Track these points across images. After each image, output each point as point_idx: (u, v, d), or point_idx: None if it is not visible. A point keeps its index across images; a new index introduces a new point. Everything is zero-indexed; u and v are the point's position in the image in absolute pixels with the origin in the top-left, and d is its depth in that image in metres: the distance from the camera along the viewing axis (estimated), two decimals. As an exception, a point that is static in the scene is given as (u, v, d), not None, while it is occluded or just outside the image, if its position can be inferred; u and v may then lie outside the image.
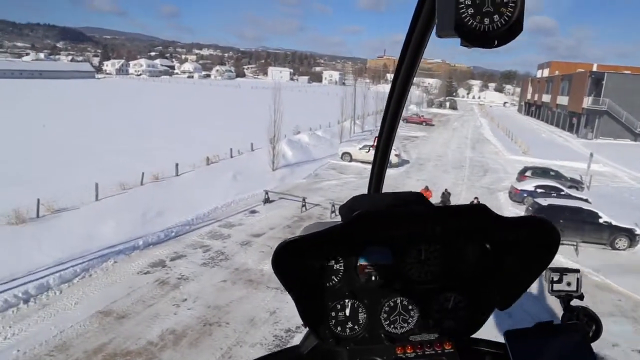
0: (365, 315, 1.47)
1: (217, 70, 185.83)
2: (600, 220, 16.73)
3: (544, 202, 17.83)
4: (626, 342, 10.37)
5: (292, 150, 28.10)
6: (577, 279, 1.40)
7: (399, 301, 1.49)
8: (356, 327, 1.46)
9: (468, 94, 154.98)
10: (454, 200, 19.52)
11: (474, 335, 1.55)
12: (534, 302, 9.72)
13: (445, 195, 19.25)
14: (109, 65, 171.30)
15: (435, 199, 18.91)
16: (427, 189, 19.44)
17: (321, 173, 25.89)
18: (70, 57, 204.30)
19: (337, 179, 24.54)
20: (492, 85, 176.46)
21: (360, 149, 28.65)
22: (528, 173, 24.73)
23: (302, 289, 1.30)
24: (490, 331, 1.60)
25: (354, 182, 23.49)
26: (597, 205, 18.72)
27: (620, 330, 10.97)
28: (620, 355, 9.89)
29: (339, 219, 1.41)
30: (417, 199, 1.48)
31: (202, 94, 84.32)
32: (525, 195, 21.52)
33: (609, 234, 16.61)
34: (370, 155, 27.23)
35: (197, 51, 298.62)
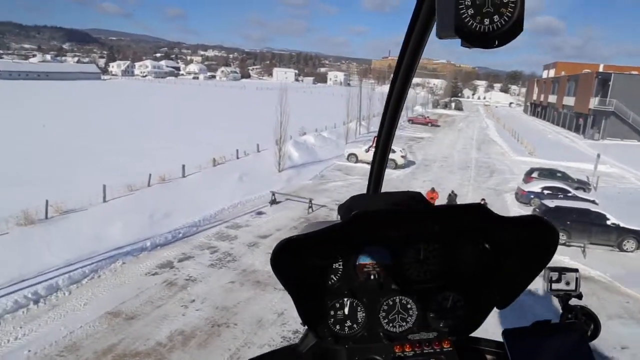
0: (364, 314, 1.47)
1: (222, 71, 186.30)
2: (608, 222, 16.65)
3: (551, 203, 17.78)
4: (635, 345, 10.34)
5: (298, 152, 28.13)
6: (576, 278, 1.40)
7: (397, 300, 1.49)
8: (355, 325, 1.47)
9: (473, 94, 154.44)
10: (461, 202, 19.47)
11: (472, 334, 1.56)
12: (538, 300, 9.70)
13: (452, 196, 19.23)
14: (115, 67, 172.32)
15: (441, 200, 18.90)
16: (433, 190, 19.43)
17: (327, 174, 25.90)
18: (76, 59, 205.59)
19: (343, 180, 24.55)
20: (497, 85, 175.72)
21: (367, 150, 28.62)
22: (535, 174, 24.62)
23: (301, 288, 1.30)
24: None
25: (360, 183, 23.47)
26: (605, 206, 18.64)
27: (629, 333, 10.94)
28: (630, 358, 9.86)
29: None
30: (415, 199, 1.50)
31: (208, 95, 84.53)
32: (532, 196, 21.45)
33: (617, 236, 16.53)
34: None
35: (202, 52, 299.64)
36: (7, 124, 33.98)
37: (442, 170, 29.67)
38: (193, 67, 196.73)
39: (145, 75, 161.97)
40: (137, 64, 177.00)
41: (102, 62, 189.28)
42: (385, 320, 1.49)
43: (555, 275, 1.39)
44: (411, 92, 79.38)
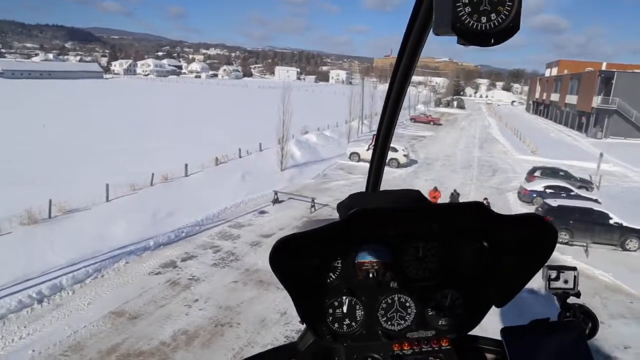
0: (362, 312, 1.47)
1: (225, 70, 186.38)
2: (611, 222, 16.64)
3: (553, 202, 17.76)
4: (639, 344, 10.34)
5: (300, 151, 28.15)
6: (574, 276, 1.39)
7: (396, 298, 1.49)
8: (353, 324, 1.46)
9: (475, 92, 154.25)
10: (463, 201, 19.45)
11: (471, 332, 1.55)
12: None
13: (454, 195, 19.22)
14: (117, 66, 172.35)
15: (444, 199, 18.89)
16: (435, 189, 19.42)
17: (329, 173, 25.92)
18: (78, 58, 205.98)
19: (346, 179, 24.55)
20: (499, 84, 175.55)
21: (368, 149, 28.57)
22: (537, 173, 24.61)
23: (299, 286, 1.30)
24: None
25: (363, 182, 23.05)
26: (607, 205, 18.62)
27: (632, 333, 10.95)
28: (633, 358, 9.85)
29: None
30: (414, 197, 1.49)
31: (210, 94, 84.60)
32: (534, 195, 21.45)
33: (620, 235, 16.51)
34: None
35: (204, 51, 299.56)
36: (10, 123, 34.12)
37: (444, 169, 29.66)
38: (195, 66, 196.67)
39: (148, 74, 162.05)
40: (139, 63, 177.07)
41: (104, 60, 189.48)
42: (384, 319, 1.48)
43: (553, 274, 1.38)
44: (413, 91, 79.14)
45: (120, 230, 14.42)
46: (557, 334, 1.29)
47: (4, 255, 11.79)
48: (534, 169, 25.42)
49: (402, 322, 1.50)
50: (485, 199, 18.77)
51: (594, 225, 16.63)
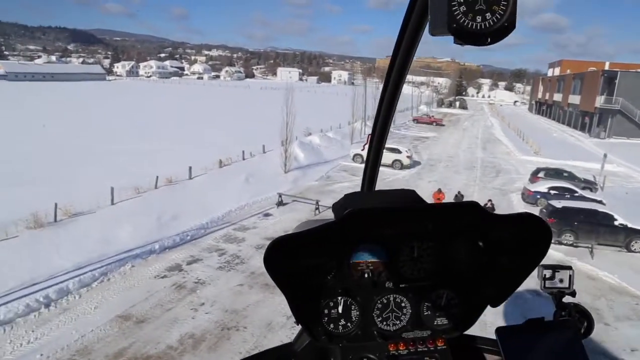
0: (358, 313, 1.46)
1: (227, 71, 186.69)
2: (616, 223, 16.60)
3: (558, 204, 17.74)
4: (645, 347, 10.31)
5: (303, 152, 28.16)
6: (570, 275, 1.39)
7: (391, 298, 1.49)
8: (349, 324, 1.46)
9: (478, 93, 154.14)
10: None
11: (466, 332, 1.55)
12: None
13: (458, 197, 19.22)
14: (120, 67, 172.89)
15: (448, 200, 18.87)
16: (439, 191, 19.43)
17: (333, 175, 25.93)
18: (81, 60, 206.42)
19: (349, 181, 24.54)
20: (502, 84, 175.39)
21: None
22: (541, 174, 24.56)
23: (294, 287, 1.29)
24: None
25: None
26: (612, 206, 18.59)
27: (638, 335, 10.92)
28: (640, 361, 9.84)
29: None
30: (410, 197, 1.49)
31: (212, 95, 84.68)
32: (538, 196, 21.42)
33: (625, 236, 16.48)
34: (382, 158, 27.18)
35: (206, 52, 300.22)
36: (14, 124, 34.24)
37: (447, 170, 29.64)
38: (197, 67, 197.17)
39: (150, 76, 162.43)
40: (141, 65, 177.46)
41: (106, 62, 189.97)
42: (379, 319, 1.49)
43: (548, 273, 1.38)
44: (416, 91, 78.94)
45: (126, 233, 14.47)
46: (552, 333, 1.29)
47: (12, 259, 11.85)
48: (538, 170, 25.36)
49: (398, 322, 1.50)
50: (490, 200, 18.77)
51: (598, 226, 16.61)
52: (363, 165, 1.83)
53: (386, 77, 1.54)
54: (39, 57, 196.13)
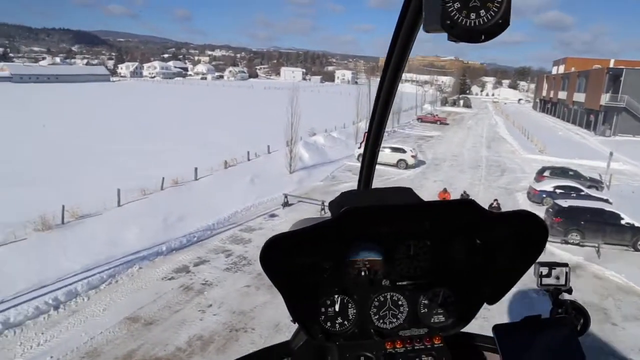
0: (354, 311, 1.46)
1: (230, 71, 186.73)
2: (622, 222, 16.55)
3: (564, 203, 17.68)
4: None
5: (308, 152, 28.19)
6: (566, 272, 1.38)
7: (388, 296, 1.49)
8: (346, 322, 1.46)
9: (482, 91, 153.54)
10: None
11: (463, 330, 1.56)
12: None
13: (464, 197, 19.17)
14: (124, 68, 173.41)
15: (453, 201, 18.83)
16: (445, 190, 19.43)
17: (338, 175, 25.93)
18: (85, 61, 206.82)
19: (355, 180, 24.14)
20: (506, 82, 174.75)
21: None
22: (546, 173, 24.49)
23: (291, 285, 1.29)
24: None
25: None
26: (618, 205, 18.53)
27: (646, 335, 10.89)
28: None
29: None
30: (406, 195, 1.50)
31: (216, 95, 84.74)
32: (544, 196, 21.37)
33: (632, 236, 16.42)
34: (387, 157, 27.19)
35: (209, 52, 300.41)
36: (18, 126, 34.39)
37: (452, 169, 29.59)
38: (201, 68, 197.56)
39: (154, 77, 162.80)
40: (145, 65, 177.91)
41: (110, 63, 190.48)
42: (376, 317, 1.49)
43: (545, 270, 1.38)
44: (420, 90, 78.63)
45: (133, 235, 14.54)
46: (549, 330, 1.29)
47: (20, 262, 11.94)
48: (543, 169, 25.27)
49: (395, 320, 1.51)
50: (495, 200, 18.73)
51: (605, 225, 16.56)
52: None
53: (382, 75, 1.55)
54: (44, 58, 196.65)
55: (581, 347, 1.26)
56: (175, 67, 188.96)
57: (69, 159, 24.46)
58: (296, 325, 1.45)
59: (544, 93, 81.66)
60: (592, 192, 21.81)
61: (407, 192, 1.52)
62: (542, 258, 1.40)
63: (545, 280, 1.38)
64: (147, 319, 10.57)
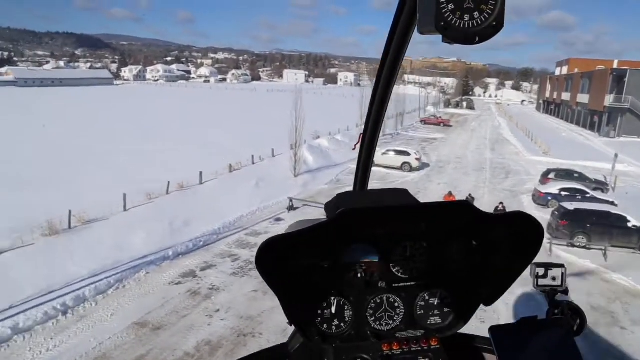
0: (351, 313, 1.46)
1: (233, 74, 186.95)
2: (629, 224, 16.49)
3: (570, 206, 17.62)
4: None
5: (312, 156, 28.20)
6: (562, 273, 1.38)
7: (385, 298, 1.49)
8: (342, 324, 1.46)
9: (485, 92, 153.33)
10: (478, 205, 19.35)
11: (460, 331, 1.56)
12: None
13: (469, 200, 19.15)
14: (127, 72, 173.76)
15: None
16: (450, 194, 19.43)
17: (343, 178, 25.92)
18: (89, 65, 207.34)
19: (359, 184, 24.53)
20: (509, 83, 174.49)
21: (383, 153, 28.20)
22: (551, 175, 24.46)
23: (287, 288, 1.28)
24: None
25: (376, 187, 23.36)
26: (624, 207, 18.45)
27: (655, 338, 10.85)
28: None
29: None
30: (402, 196, 1.51)
31: (220, 98, 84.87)
32: (549, 198, 21.32)
33: (638, 238, 16.36)
34: (391, 159, 27.19)
35: (212, 55, 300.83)
36: (21, 130, 34.56)
37: (456, 172, 29.56)
38: (204, 71, 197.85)
39: (157, 80, 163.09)
40: (148, 69, 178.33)
41: (114, 67, 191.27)
42: (373, 319, 1.49)
43: (541, 271, 1.38)
44: (423, 92, 78.56)
45: (139, 240, 14.59)
46: (545, 331, 1.29)
47: (29, 267, 11.98)
48: (548, 171, 25.24)
49: (391, 322, 1.50)
50: (501, 203, 18.70)
51: (611, 228, 16.50)
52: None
53: (377, 77, 1.55)
54: (48, 62, 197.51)
55: (577, 348, 1.27)
56: (179, 70, 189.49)
57: (69, 159, 24.65)
58: (292, 328, 1.45)
59: (548, 94, 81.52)
60: (598, 195, 21.77)
61: (403, 193, 1.53)
62: (546, 260, 1.42)
63: (542, 281, 1.38)
64: (155, 324, 10.60)
